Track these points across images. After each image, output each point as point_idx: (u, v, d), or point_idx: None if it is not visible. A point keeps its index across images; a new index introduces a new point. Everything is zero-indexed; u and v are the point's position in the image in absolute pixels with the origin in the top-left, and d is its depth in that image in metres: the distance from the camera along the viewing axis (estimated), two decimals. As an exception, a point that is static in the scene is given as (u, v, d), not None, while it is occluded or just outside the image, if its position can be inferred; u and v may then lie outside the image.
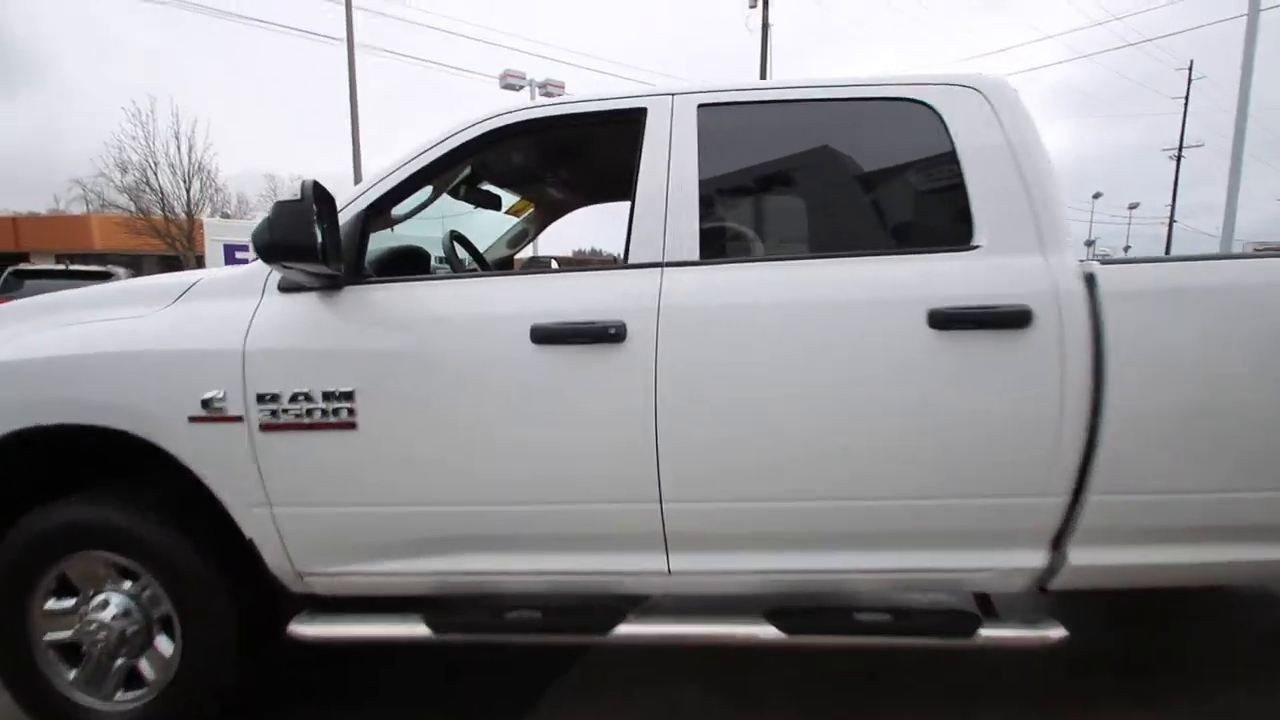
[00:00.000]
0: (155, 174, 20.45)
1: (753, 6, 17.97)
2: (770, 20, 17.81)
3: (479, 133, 1.72)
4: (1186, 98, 29.76)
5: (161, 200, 20.71)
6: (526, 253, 3.59)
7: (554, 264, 3.26)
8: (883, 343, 1.53)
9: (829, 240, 1.72)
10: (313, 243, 1.37)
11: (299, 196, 1.37)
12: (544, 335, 1.57)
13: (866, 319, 1.53)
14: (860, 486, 1.58)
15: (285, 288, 1.68)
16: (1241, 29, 9.87)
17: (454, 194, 2.51)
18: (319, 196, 1.42)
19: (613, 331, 1.54)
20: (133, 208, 20.91)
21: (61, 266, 11.20)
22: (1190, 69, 29.43)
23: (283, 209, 1.37)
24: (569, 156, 2.34)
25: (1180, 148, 29.67)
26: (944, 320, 1.51)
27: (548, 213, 3.04)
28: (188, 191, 20.84)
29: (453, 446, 1.62)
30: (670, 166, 1.65)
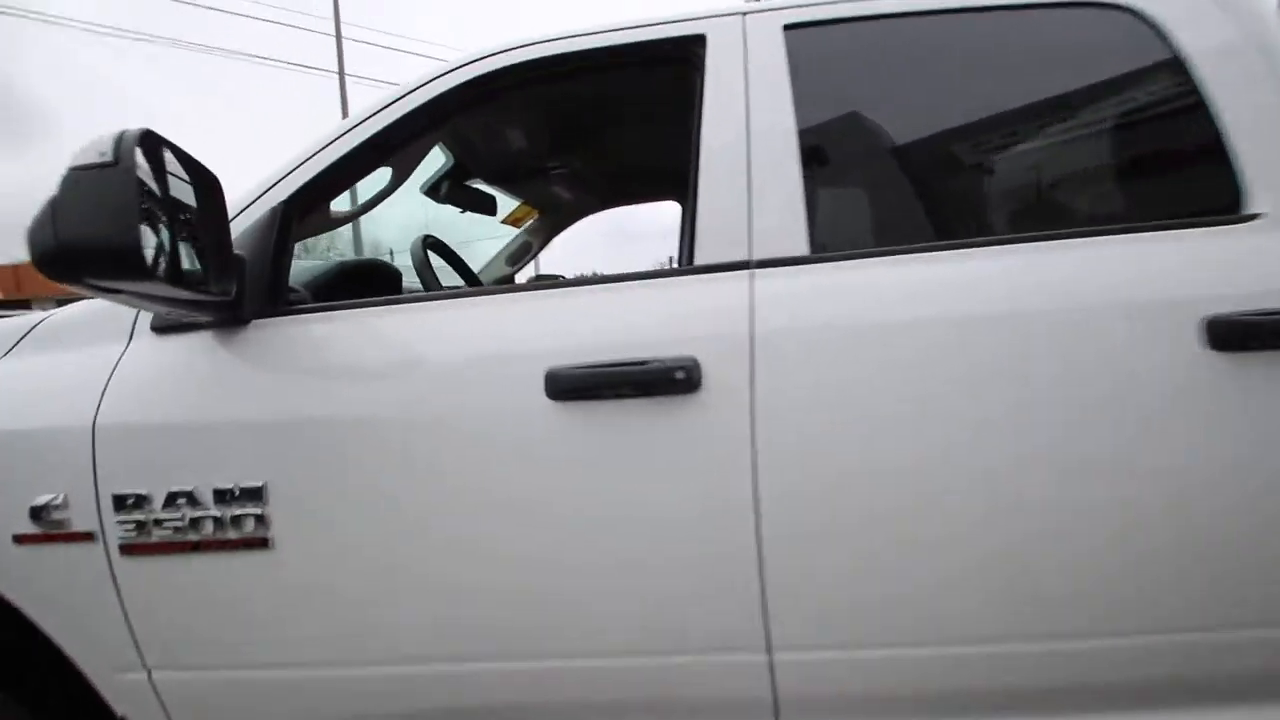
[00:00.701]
0: (151, 216, 20.19)
1: None
2: None
3: (453, 84, 1.13)
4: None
5: (157, 242, 20.42)
6: (527, 274, 3.01)
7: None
8: (1136, 375, 0.92)
9: (1015, 215, 1.11)
10: (134, 241, 0.75)
11: (107, 157, 0.75)
12: (566, 386, 0.97)
13: (1105, 337, 0.92)
14: (1096, 613, 0.95)
15: (161, 326, 1.09)
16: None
17: (433, 195, 1.94)
18: (159, 153, 0.80)
19: (679, 375, 0.94)
20: (129, 251, 20.66)
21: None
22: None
23: (78, 181, 0.75)
24: (587, 126, 1.74)
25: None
26: (1230, 335, 0.91)
27: (556, 219, 2.46)
28: (184, 232, 20.54)
29: (426, 572, 1.01)
30: (750, 118, 1.06)
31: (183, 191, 0.89)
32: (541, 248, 2.61)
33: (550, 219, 2.52)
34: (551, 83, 1.21)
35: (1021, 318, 0.93)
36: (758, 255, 1.01)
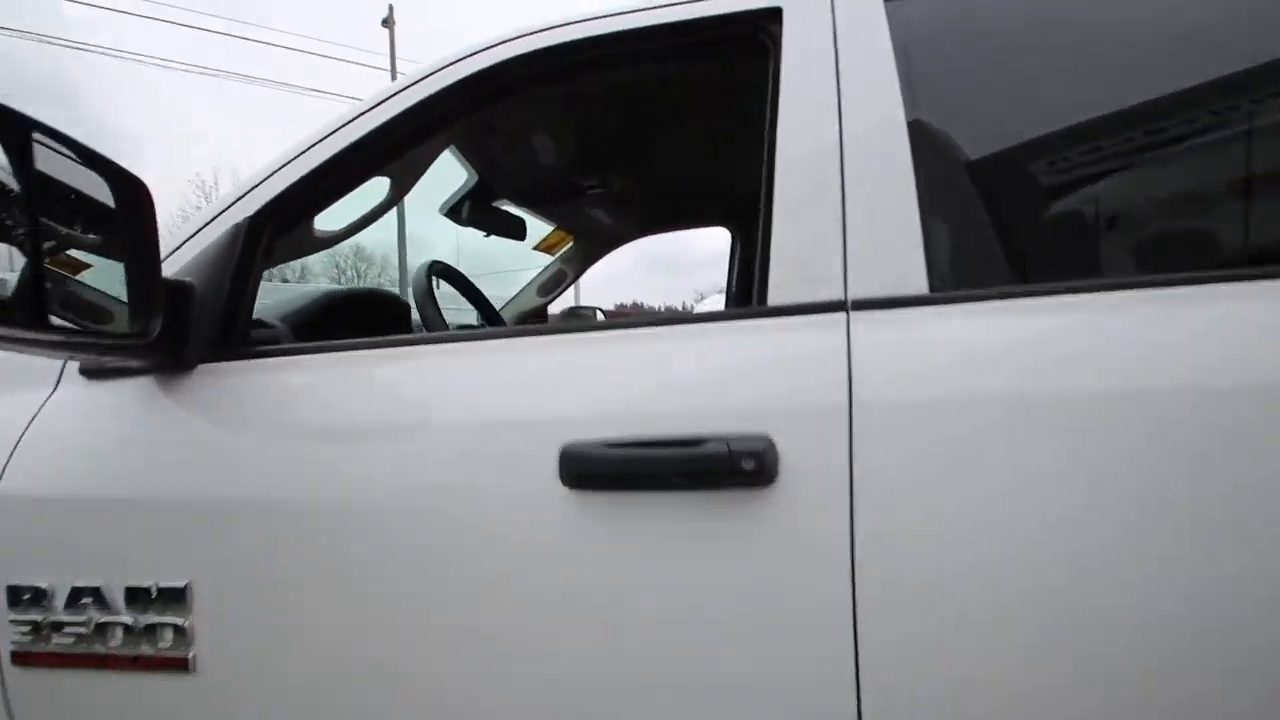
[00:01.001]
0: (217, 242, 21.11)
1: None
2: None
3: (457, 78, 0.90)
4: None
5: (221, 267, 21.32)
6: (562, 306, 2.78)
7: (599, 320, 2.43)
8: None
9: (1236, 241, 0.80)
10: None
11: None
12: (587, 469, 0.70)
13: None
14: None
15: (91, 371, 0.87)
16: None
17: (455, 217, 1.73)
18: (23, 142, 0.58)
19: (747, 464, 0.66)
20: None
21: None
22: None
23: None
24: (625, 133, 1.50)
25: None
26: None
27: (593, 246, 2.23)
28: (247, 257, 21.33)
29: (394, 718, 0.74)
30: (844, 114, 0.79)
31: (94, 193, 0.67)
32: (576, 277, 2.39)
33: (586, 245, 2.29)
34: (578, 76, 0.97)
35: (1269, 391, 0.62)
36: (856, 293, 0.73)
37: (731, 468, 0.66)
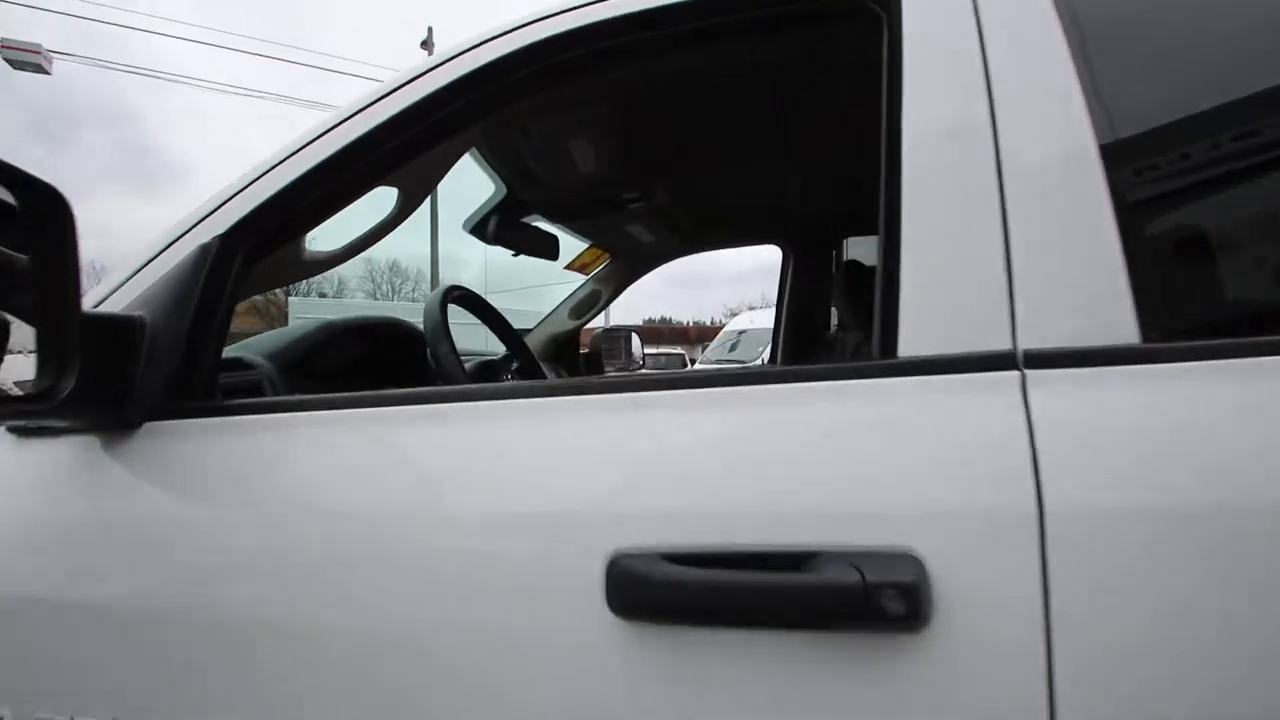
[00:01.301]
0: (257, 256, 21.66)
1: None
2: None
3: (473, 68, 0.72)
4: None
5: (262, 281, 21.84)
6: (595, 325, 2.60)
7: (635, 342, 2.24)
8: None
9: None
10: None
11: None
12: (645, 595, 0.49)
13: None
14: None
15: (20, 428, 0.70)
16: None
17: (480, 234, 1.56)
18: None
19: (893, 604, 0.44)
20: (233, 288, 22.27)
21: None
22: None
23: None
24: (680, 135, 1.30)
25: None
26: None
27: (630, 264, 2.04)
28: (288, 272, 21.80)
29: None
30: (997, 106, 0.57)
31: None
32: (613, 298, 2.20)
33: (623, 264, 2.10)
34: (627, 63, 0.78)
35: None
36: (1031, 342, 0.51)
37: (866, 606, 0.44)
